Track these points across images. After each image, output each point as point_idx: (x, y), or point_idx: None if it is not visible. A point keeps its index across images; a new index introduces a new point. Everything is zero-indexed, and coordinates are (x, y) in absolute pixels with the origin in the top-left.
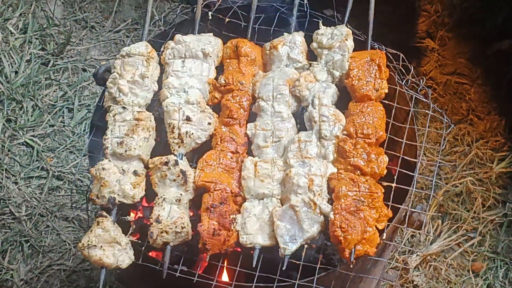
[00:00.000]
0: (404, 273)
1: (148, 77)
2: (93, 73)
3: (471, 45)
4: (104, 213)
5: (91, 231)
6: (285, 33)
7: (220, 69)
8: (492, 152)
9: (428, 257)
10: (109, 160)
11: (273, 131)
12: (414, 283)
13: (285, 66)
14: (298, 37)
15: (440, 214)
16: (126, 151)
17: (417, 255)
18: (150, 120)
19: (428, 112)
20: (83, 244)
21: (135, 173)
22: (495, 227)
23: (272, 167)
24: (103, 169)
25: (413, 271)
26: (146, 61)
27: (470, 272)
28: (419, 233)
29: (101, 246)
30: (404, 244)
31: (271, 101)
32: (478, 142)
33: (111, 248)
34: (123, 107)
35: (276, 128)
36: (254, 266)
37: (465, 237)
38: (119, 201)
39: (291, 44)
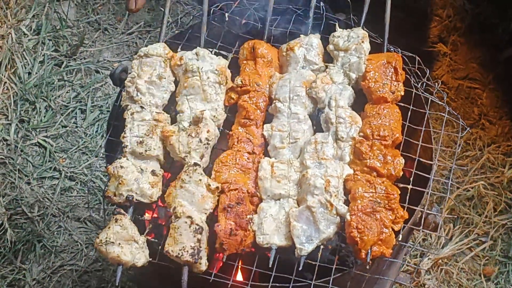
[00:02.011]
0: (416, 277)
1: (165, 78)
2: (110, 73)
3: (483, 50)
4: (122, 211)
5: (109, 228)
6: (302, 35)
7: (236, 70)
8: (504, 156)
9: (440, 261)
10: (127, 159)
11: (290, 132)
12: (426, 286)
13: (301, 68)
14: (315, 39)
15: (452, 218)
16: (146, 151)
17: (428, 259)
18: (168, 122)
19: (443, 115)
20: (101, 240)
21: (153, 172)
22: (507, 232)
23: (288, 168)
24: (121, 167)
25: (425, 275)
26: (164, 62)
27: (482, 276)
28: (431, 237)
29: (119, 243)
30: (416, 248)
31: (287, 102)
32: (490, 147)
33: (128, 245)
34: (141, 107)
35: (293, 129)
36: (270, 266)
37: (476, 241)
38: (136, 200)
39: (308, 46)
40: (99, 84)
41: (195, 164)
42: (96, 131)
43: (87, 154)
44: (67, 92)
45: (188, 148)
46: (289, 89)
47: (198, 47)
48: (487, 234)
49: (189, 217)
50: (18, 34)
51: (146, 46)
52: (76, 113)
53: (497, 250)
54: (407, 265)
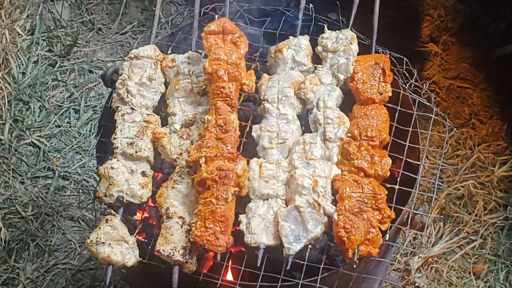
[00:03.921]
0: (406, 275)
1: (155, 80)
2: (101, 74)
3: (474, 50)
4: (113, 211)
5: (100, 228)
6: (291, 37)
7: None
8: (494, 156)
9: (430, 259)
10: (118, 160)
11: (278, 133)
12: (416, 284)
13: (290, 69)
14: (303, 41)
15: (442, 217)
16: (136, 152)
17: (419, 257)
18: (158, 124)
19: (431, 116)
20: (91, 240)
21: (144, 173)
22: (496, 230)
23: (277, 168)
24: (112, 168)
25: (415, 273)
26: (154, 64)
27: (471, 274)
28: (421, 235)
29: (109, 244)
30: (406, 246)
31: (276, 103)
32: (480, 146)
33: (119, 246)
34: (132, 108)
35: (281, 130)
36: (258, 265)
37: (466, 240)
38: (127, 200)
39: (297, 47)
40: (93, 84)
41: (188, 166)
42: (90, 131)
43: (80, 154)
44: (60, 92)
45: (179, 150)
46: (278, 90)
47: (189, 51)
48: (477, 233)
49: (181, 217)
50: (12, 34)
51: (139, 46)
52: (69, 113)
53: (487, 248)
54: (397, 264)
